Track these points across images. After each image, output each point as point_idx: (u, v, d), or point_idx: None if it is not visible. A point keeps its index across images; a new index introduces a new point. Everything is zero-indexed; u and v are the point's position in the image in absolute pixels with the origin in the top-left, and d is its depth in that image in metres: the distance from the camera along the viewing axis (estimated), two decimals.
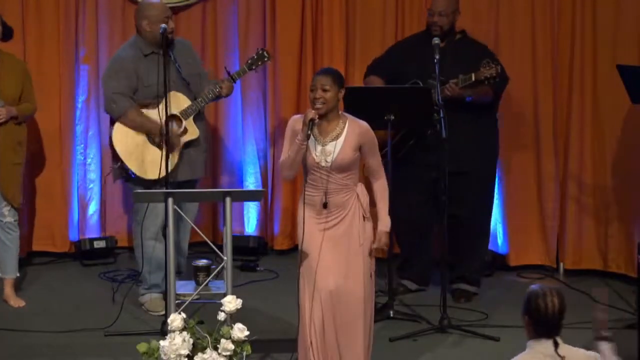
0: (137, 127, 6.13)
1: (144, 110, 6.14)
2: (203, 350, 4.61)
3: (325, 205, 4.91)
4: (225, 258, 5.01)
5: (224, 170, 7.60)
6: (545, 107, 7.10)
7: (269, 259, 7.44)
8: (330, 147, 4.87)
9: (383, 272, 6.13)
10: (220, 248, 5.21)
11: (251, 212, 7.57)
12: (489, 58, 6.28)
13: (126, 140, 6.15)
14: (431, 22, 6.48)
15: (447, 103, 6.01)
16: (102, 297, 6.60)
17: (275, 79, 7.44)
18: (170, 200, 4.99)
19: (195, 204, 6.42)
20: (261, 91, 7.51)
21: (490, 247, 7.08)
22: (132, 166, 6.13)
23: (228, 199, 5.00)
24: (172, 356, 4.55)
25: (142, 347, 4.68)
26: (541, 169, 7.15)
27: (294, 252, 6.76)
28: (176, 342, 4.55)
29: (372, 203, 5.03)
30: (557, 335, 3.65)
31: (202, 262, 5.29)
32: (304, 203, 4.94)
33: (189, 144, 6.24)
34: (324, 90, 4.85)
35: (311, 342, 4.89)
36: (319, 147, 4.89)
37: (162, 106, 5.81)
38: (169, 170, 5.98)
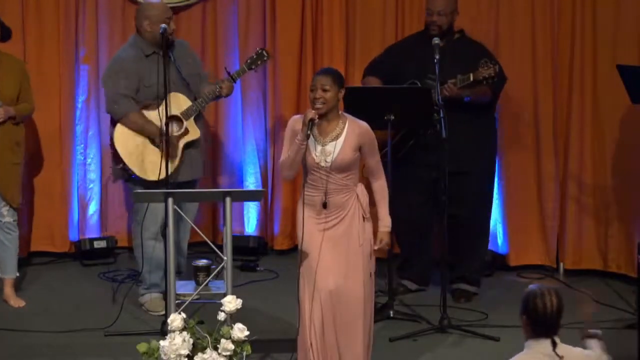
0: (138, 130, 6.13)
1: (145, 112, 6.14)
2: (203, 350, 4.61)
3: (325, 206, 4.91)
4: (225, 258, 5.01)
5: (224, 170, 7.60)
6: (545, 107, 7.10)
7: (269, 259, 7.43)
8: (330, 147, 4.87)
9: (383, 272, 6.13)
10: (220, 248, 5.21)
11: (251, 212, 7.57)
12: (487, 58, 6.28)
13: (127, 141, 6.15)
14: (430, 22, 6.48)
15: (445, 103, 6.01)
16: (102, 297, 6.60)
17: (275, 79, 7.44)
18: (170, 200, 4.99)
19: (195, 204, 6.43)
20: (261, 91, 7.51)
21: (490, 247, 7.08)
22: (133, 166, 6.13)
23: (228, 199, 5.00)
24: (172, 356, 4.55)
25: (142, 347, 4.68)
26: (541, 169, 7.15)
27: (294, 252, 6.77)
28: (176, 342, 4.55)
29: (372, 203, 5.03)
30: (555, 334, 3.65)
31: (202, 262, 5.29)
32: (303, 203, 4.94)
33: (190, 145, 6.24)
34: (324, 90, 4.85)
35: (311, 344, 4.89)
36: (319, 147, 4.89)
37: (162, 107, 5.81)
38: (171, 171, 6.00)
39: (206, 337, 4.65)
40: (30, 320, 6.15)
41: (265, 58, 6.39)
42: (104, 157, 7.25)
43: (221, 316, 4.69)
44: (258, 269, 7.24)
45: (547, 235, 7.19)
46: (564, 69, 7.09)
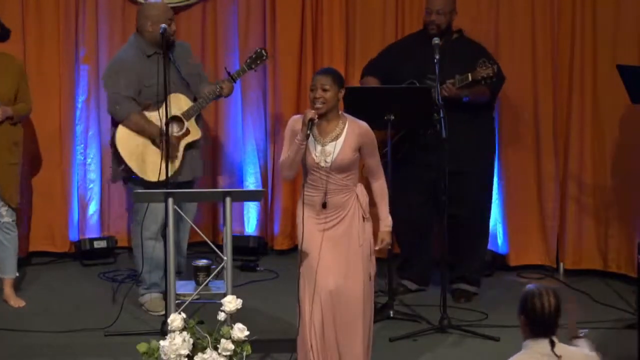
0: (139, 131, 6.13)
1: (146, 112, 6.14)
2: (203, 350, 4.61)
3: (324, 206, 4.91)
4: (225, 258, 5.01)
5: (224, 170, 7.60)
6: (545, 107, 7.10)
7: (269, 259, 7.43)
8: (330, 147, 4.87)
9: (383, 272, 6.13)
10: (220, 248, 5.21)
11: (251, 212, 7.57)
12: (485, 58, 6.28)
13: (129, 142, 6.14)
14: (429, 21, 6.48)
15: (444, 103, 6.01)
16: (102, 297, 6.60)
17: (275, 79, 7.44)
18: (170, 200, 4.99)
19: (195, 204, 6.43)
20: (261, 91, 7.51)
21: (490, 247, 7.08)
22: (134, 167, 6.12)
23: (228, 199, 5.00)
24: (172, 356, 4.55)
25: (142, 347, 4.68)
26: (541, 169, 7.15)
27: (294, 252, 6.76)
28: (176, 342, 4.55)
29: (372, 203, 5.03)
30: (553, 334, 3.65)
31: (202, 262, 5.29)
32: (303, 203, 4.94)
33: (190, 145, 6.25)
34: (324, 90, 4.85)
35: (311, 344, 4.89)
36: (319, 148, 4.88)
37: (163, 108, 5.81)
38: (172, 172, 6.01)
39: (206, 337, 4.65)
40: (30, 320, 6.15)
41: (264, 57, 6.40)
42: (104, 157, 7.25)
43: (221, 316, 4.69)
44: (258, 269, 7.24)
45: (547, 235, 7.19)
46: (564, 69, 7.09)
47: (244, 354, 4.63)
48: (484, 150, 6.62)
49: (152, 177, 6.04)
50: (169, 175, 5.86)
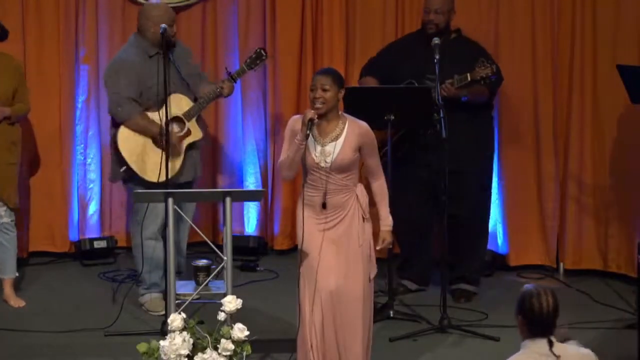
0: (141, 131, 6.12)
1: (148, 113, 6.14)
2: (203, 350, 4.61)
3: (324, 206, 4.90)
4: (225, 258, 5.01)
5: (224, 170, 7.61)
6: (545, 107, 7.10)
7: (269, 259, 7.44)
8: (329, 147, 4.87)
9: (383, 272, 6.13)
10: (220, 248, 5.21)
11: (251, 212, 7.57)
12: (484, 57, 6.28)
13: (130, 143, 6.13)
14: (427, 20, 6.47)
15: (443, 103, 6.01)
16: (102, 297, 6.60)
17: (275, 79, 7.44)
18: (170, 200, 4.99)
19: (193, 203, 6.42)
20: (261, 91, 7.51)
21: (491, 247, 7.09)
22: (136, 168, 6.12)
23: (228, 199, 5.00)
24: (172, 356, 4.55)
25: (142, 347, 4.68)
26: (541, 169, 7.15)
27: (294, 252, 6.76)
28: (176, 342, 4.55)
29: (372, 203, 5.03)
30: (551, 334, 3.65)
31: (202, 262, 5.29)
32: (303, 203, 4.94)
33: (191, 146, 6.25)
34: (324, 90, 4.84)
35: (311, 344, 4.89)
36: (319, 148, 4.88)
37: (167, 107, 5.81)
38: (174, 173, 6.01)
39: (206, 337, 4.65)
40: (30, 320, 6.15)
41: (263, 57, 6.40)
42: (104, 157, 7.25)
43: (221, 316, 4.69)
44: (258, 269, 7.24)
45: (547, 235, 7.19)
46: (564, 69, 7.09)
47: (244, 354, 4.63)
48: (483, 149, 6.62)
49: (153, 177, 6.04)
50: (171, 176, 5.87)
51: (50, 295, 6.64)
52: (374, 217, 5.02)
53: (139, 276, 6.29)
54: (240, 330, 4.62)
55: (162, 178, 5.74)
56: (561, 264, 7.21)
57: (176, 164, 6.15)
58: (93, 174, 7.41)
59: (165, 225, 5.30)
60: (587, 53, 7.01)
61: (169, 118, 5.75)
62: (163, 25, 5.86)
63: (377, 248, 5.00)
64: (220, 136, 7.56)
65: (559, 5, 7.06)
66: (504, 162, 7.16)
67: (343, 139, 4.87)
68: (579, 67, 7.03)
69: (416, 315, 6.22)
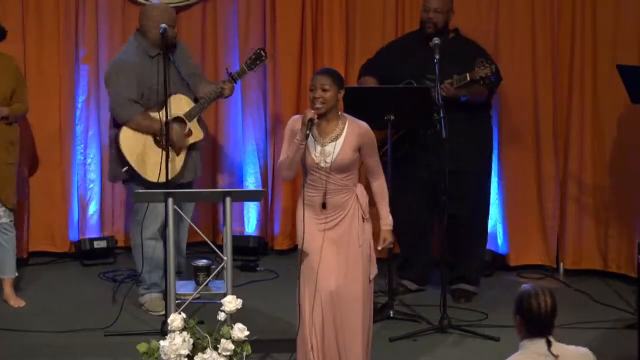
0: (142, 130, 6.12)
1: (150, 113, 6.14)
2: (203, 350, 4.61)
3: (324, 206, 4.90)
4: (225, 258, 5.01)
5: (224, 170, 7.61)
6: (545, 107, 7.10)
7: (269, 259, 7.43)
8: (329, 147, 4.87)
9: (383, 272, 6.13)
10: (220, 248, 5.21)
11: (251, 212, 7.57)
12: (483, 57, 6.28)
13: (132, 143, 6.13)
14: (426, 19, 6.47)
15: (443, 103, 6.01)
16: (102, 297, 6.60)
17: (275, 79, 7.44)
18: (170, 200, 4.99)
19: (192, 203, 6.42)
20: (261, 91, 7.51)
21: (491, 247, 7.09)
22: (138, 168, 6.11)
23: (228, 199, 5.00)
24: (172, 356, 4.55)
25: (142, 347, 4.68)
26: (541, 169, 7.15)
27: (294, 252, 6.77)
28: (176, 342, 4.55)
29: (372, 203, 5.03)
30: (549, 334, 3.65)
31: (202, 262, 5.29)
32: (303, 203, 4.94)
33: (192, 146, 6.25)
34: (324, 90, 4.84)
35: (312, 345, 4.88)
36: (319, 148, 4.88)
37: (167, 108, 5.81)
38: (176, 174, 6.01)
39: (206, 337, 4.65)
40: (30, 320, 6.15)
41: (263, 58, 6.40)
42: (104, 157, 7.25)
43: (221, 316, 4.69)
44: (258, 269, 7.24)
45: (547, 235, 7.19)
46: (564, 69, 7.09)
47: (244, 354, 4.63)
48: (482, 149, 6.62)
49: (153, 177, 6.03)
50: (173, 177, 5.88)
51: (50, 295, 6.64)
52: (374, 217, 5.02)
53: (139, 276, 6.29)
54: (240, 330, 4.62)
55: (163, 178, 5.74)
56: (561, 264, 7.21)
57: (178, 164, 6.15)
58: (93, 174, 7.40)
59: (165, 225, 5.30)
60: (587, 53, 7.01)
61: (170, 118, 5.75)
62: (163, 25, 5.86)
63: (378, 248, 5.00)
64: (220, 136, 7.56)
65: (559, 5, 7.06)
66: (504, 162, 7.16)
67: (343, 139, 4.87)
68: (579, 67, 7.03)
69: (416, 315, 6.22)
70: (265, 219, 7.58)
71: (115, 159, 6.23)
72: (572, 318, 6.03)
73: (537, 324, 3.63)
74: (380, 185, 5.02)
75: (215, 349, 4.60)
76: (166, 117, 5.72)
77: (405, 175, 6.45)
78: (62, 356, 5.65)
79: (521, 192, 7.18)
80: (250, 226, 7.57)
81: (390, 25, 7.26)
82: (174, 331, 4.60)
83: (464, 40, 6.62)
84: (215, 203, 7.46)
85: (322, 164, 4.87)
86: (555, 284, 6.92)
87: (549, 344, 3.63)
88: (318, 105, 4.84)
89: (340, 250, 4.90)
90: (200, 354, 4.59)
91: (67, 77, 7.27)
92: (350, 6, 7.34)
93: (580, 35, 7.01)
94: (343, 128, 4.90)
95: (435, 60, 6.00)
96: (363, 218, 4.94)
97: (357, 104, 5.82)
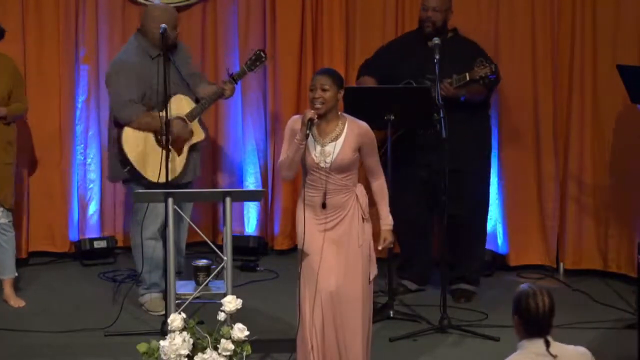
0: (145, 128, 6.11)
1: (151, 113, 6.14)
2: (203, 350, 4.61)
3: (324, 206, 4.90)
4: (225, 258, 5.01)
5: (224, 170, 7.61)
6: (545, 107, 7.10)
7: (269, 259, 7.43)
8: (329, 147, 4.87)
9: (383, 272, 6.12)
10: (220, 248, 5.21)
11: (251, 212, 7.57)
12: (481, 57, 6.28)
13: (133, 142, 6.13)
14: (425, 17, 6.47)
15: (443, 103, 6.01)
16: (102, 297, 6.60)
17: (275, 79, 7.44)
18: (170, 200, 4.99)
19: (190, 203, 6.41)
20: (261, 91, 7.51)
21: (491, 247, 7.09)
22: (140, 168, 6.11)
23: (228, 199, 5.00)
24: (172, 356, 4.55)
25: (142, 347, 4.68)
26: (541, 169, 7.15)
27: (294, 252, 6.76)
28: (176, 342, 4.55)
29: (372, 203, 5.03)
30: (547, 334, 3.65)
31: (202, 262, 5.29)
32: (304, 204, 4.94)
33: (193, 147, 6.25)
34: (324, 90, 4.84)
35: (312, 346, 4.88)
36: (318, 148, 4.88)
37: (168, 108, 5.81)
38: (177, 174, 6.01)
39: (206, 337, 4.65)
40: (30, 320, 6.15)
41: (263, 59, 6.39)
42: (104, 157, 7.25)
43: (221, 316, 4.69)
44: (258, 269, 7.24)
45: (547, 235, 7.19)
46: (564, 69, 7.09)
47: (244, 354, 4.63)
48: (481, 148, 6.62)
49: (155, 177, 6.01)
50: (174, 177, 5.87)
51: (50, 295, 6.64)
52: (374, 217, 5.02)
53: (139, 276, 6.29)
54: (240, 330, 4.62)
55: (164, 178, 5.74)
56: (561, 264, 7.21)
57: (180, 165, 6.15)
58: (93, 174, 7.40)
59: (165, 225, 5.30)
60: (587, 53, 7.01)
61: (170, 118, 5.75)
62: (163, 25, 5.85)
63: (379, 248, 5.00)
64: (220, 136, 7.56)
65: (559, 5, 7.06)
66: (504, 162, 7.16)
67: (343, 139, 4.87)
68: (579, 67, 7.03)
69: (416, 315, 6.22)
70: (265, 219, 7.58)
71: (116, 159, 6.23)
72: (572, 318, 6.04)
73: (535, 324, 3.63)
74: (380, 185, 5.02)
75: (215, 349, 4.60)
76: (166, 117, 5.72)
77: (405, 175, 6.45)
78: (62, 356, 5.65)
79: (521, 192, 7.18)
80: (250, 226, 7.58)
81: (390, 25, 7.26)
82: (174, 331, 4.60)
83: (463, 39, 6.62)
84: (215, 203, 7.46)
85: (322, 164, 4.87)
86: (555, 284, 6.92)
87: (547, 344, 3.63)
88: (318, 105, 4.84)
89: (340, 251, 4.90)
90: (200, 354, 4.59)
91: (67, 77, 7.27)
92: (350, 6, 7.34)
93: (580, 35, 7.01)
94: (343, 128, 4.90)
95: (436, 60, 6.00)
96: (363, 218, 4.93)
97: (357, 104, 5.82)
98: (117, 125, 6.19)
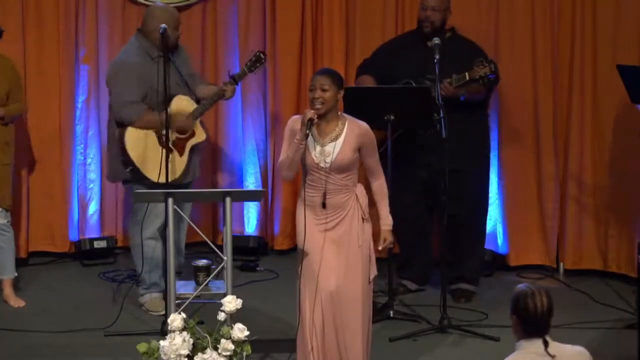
0: (147, 126, 6.11)
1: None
2: (203, 350, 4.61)
3: (323, 206, 4.90)
4: (225, 258, 5.01)
5: (224, 170, 7.61)
6: (545, 107, 7.10)
7: (269, 259, 7.44)
8: (329, 147, 4.87)
9: (383, 272, 6.13)
10: (220, 248, 5.21)
11: (251, 212, 7.57)
12: (481, 56, 6.28)
13: (135, 142, 6.12)
14: (424, 17, 6.47)
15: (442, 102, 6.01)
16: (102, 297, 6.60)
17: (275, 79, 7.44)
18: (170, 200, 4.99)
19: (189, 203, 6.41)
20: (261, 91, 7.51)
21: (491, 247, 7.09)
22: (142, 168, 6.11)
23: (228, 199, 5.00)
24: (172, 356, 4.55)
25: (142, 347, 4.68)
26: (541, 169, 7.15)
27: (294, 252, 6.74)
28: (176, 342, 4.55)
29: (372, 203, 5.03)
30: (546, 334, 3.65)
31: (202, 262, 5.29)
32: (304, 204, 4.94)
33: (194, 147, 6.25)
34: (323, 90, 4.84)
35: (312, 347, 4.88)
36: (318, 148, 4.88)
37: (169, 108, 5.81)
38: (179, 175, 6.01)
39: (206, 337, 4.65)
40: (30, 320, 6.15)
41: (263, 60, 6.39)
42: (104, 157, 7.25)
43: (221, 316, 4.69)
44: (258, 269, 7.24)
45: (547, 235, 7.19)
46: (564, 69, 7.09)
47: (244, 354, 4.63)
48: (481, 148, 6.62)
49: (156, 177, 6.00)
50: (175, 178, 5.86)
51: (50, 295, 6.64)
52: (374, 217, 5.02)
53: (139, 276, 6.28)
54: (240, 330, 4.62)
55: (169, 178, 5.75)
56: (561, 264, 7.21)
57: (181, 165, 6.14)
58: (93, 174, 7.40)
59: (165, 225, 5.30)
60: (587, 53, 7.01)
61: (170, 119, 5.75)
62: (163, 25, 5.85)
63: (379, 248, 5.00)
64: (220, 136, 7.56)
65: (559, 5, 7.06)
66: (503, 162, 7.16)
67: (342, 139, 4.87)
68: (579, 67, 7.03)
69: (416, 315, 6.22)
70: (265, 219, 7.58)
71: (117, 159, 6.22)
72: (572, 318, 6.04)
73: (533, 324, 3.63)
74: (380, 185, 5.02)
75: (215, 349, 4.60)
76: (166, 117, 5.71)
77: (405, 175, 6.45)
78: (62, 356, 5.65)
79: (521, 192, 7.19)
80: (250, 226, 7.58)
81: (390, 25, 7.26)
82: (174, 331, 4.60)
83: (462, 39, 6.62)
84: (215, 203, 7.46)
85: (322, 164, 4.87)
86: (555, 284, 6.92)
87: (545, 344, 3.63)
88: (317, 105, 4.84)
89: (340, 251, 4.90)
90: (200, 354, 4.59)
91: (67, 77, 7.27)
92: (350, 6, 7.34)
93: (580, 35, 7.01)
94: (343, 128, 4.90)
95: (435, 60, 6.00)
96: (363, 218, 4.93)
97: (357, 104, 5.82)
98: (120, 125, 6.18)
